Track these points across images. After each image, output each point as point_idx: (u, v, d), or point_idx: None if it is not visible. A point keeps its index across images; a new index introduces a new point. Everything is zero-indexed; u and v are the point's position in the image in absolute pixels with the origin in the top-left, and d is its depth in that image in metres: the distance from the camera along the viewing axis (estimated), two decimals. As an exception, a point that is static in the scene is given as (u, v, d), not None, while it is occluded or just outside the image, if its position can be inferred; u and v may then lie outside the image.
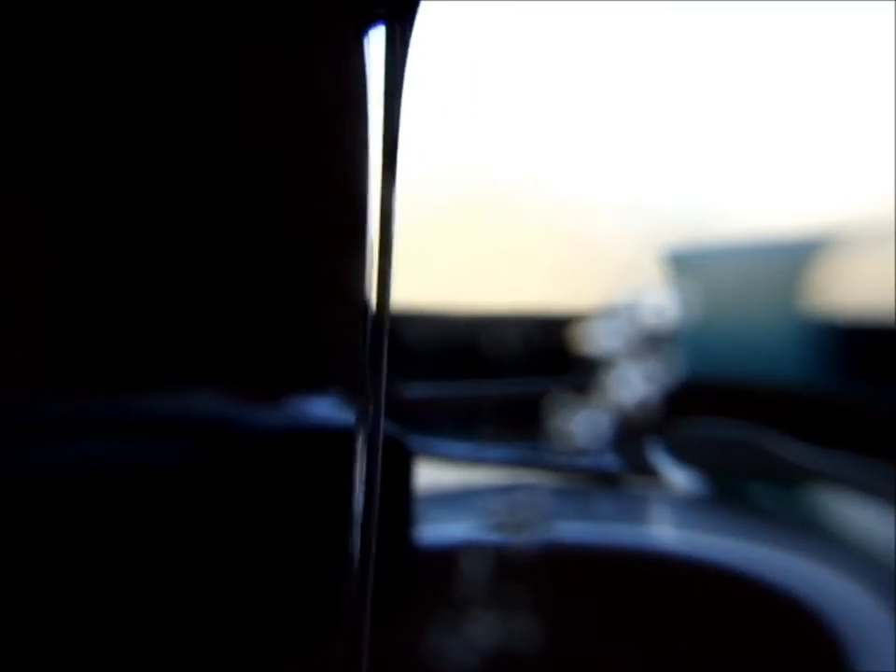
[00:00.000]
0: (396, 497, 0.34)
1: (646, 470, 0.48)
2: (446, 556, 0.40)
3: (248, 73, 0.35)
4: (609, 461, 0.48)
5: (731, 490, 0.49)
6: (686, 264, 0.52)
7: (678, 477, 0.48)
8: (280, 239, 0.36)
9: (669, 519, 0.48)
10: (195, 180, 0.34)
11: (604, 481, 0.48)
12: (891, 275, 0.48)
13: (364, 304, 0.22)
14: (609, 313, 0.49)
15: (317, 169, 0.37)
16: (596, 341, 0.49)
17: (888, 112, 0.47)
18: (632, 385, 0.48)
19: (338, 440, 0.35)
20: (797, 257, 0.52)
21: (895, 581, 0.40)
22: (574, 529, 0.44)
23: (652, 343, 0.49)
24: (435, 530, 0.41)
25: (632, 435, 0.48)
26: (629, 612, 0.41)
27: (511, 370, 0.49)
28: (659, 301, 0.49)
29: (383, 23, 0.21)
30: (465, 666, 0.40)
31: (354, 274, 0.35)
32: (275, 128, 0.36)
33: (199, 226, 0.34)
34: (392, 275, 0.22)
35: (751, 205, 0.53)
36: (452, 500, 0.45)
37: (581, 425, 0.48)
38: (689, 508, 0.47)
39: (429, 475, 0.42)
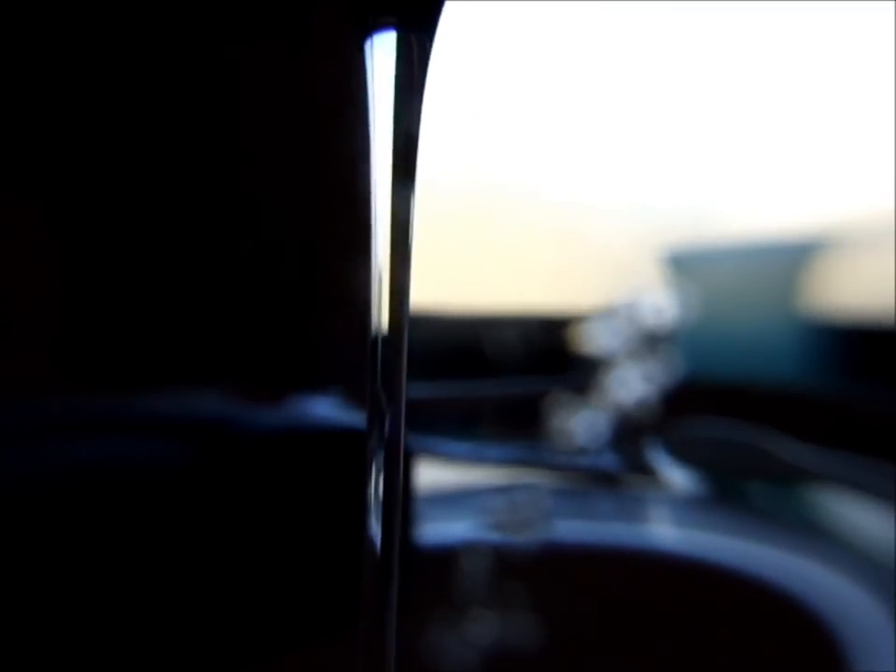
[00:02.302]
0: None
1: (645, 470, 0.48)
2: (446, 556, 0.40)
3: (250, 75, 0.35)
4: (609, 461, 0.48)
5: (730, 490, 0.49)
6: (685, 265, 0.52)
7: (677, 477, 0.48)
8: (281, 240, 0.36)
9: (668, 519, 0.48)
10: (197, 182, 0.34)
11: (603, 480, 0.48)
12: (890, 275, 0.48)
13: (376, 310, 0.21)
14: (608, 313, 0.49)
15: (319, 171, 0.37)
16: (596, 341, 0.49)
17: (886, 112, 0.47)
18: (631, 384, 0.48)
19: (338, 440, 0.35)
20: (796, 257, 0.52)
21: (895, 581, 0.40)
22: (574, 529, 0.44)
23: (652, 343, 0.49)
24: (435, 530, 0.41)
25: (631, 435, 0.48)
26: (629, 612, 0.41)
27: (511, 370, 0.49)
28: (658, 302, 0.49)
29: (395, 30, 0.21)
30: (465, 665, 0.40)
31: (355, 275, 0.35)
32: (277, 130, 0.36)
33: (200, 227, 0.34)
34: (409, 281, 0.21)
35: (750, 206, 0.53)
36: (452, 500, 0.45)
37: (581, 424, 0.48)
38: (688, 508, 0.47)
39: (429, 475, 0.42)
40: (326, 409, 0.36)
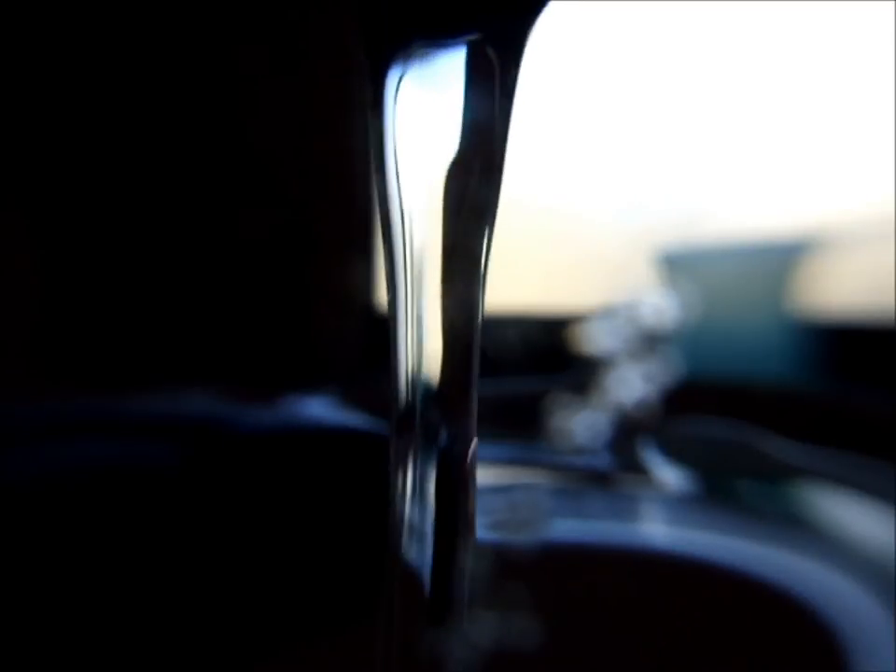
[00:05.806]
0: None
1: (642, 470, 0.48)
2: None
3: (250, 75, 0.36)
4: (607, 460, 0.48)
5: (724, 489, 0.49)
6: (682, 264, 0.52)
7: (672, 476, 0.48)
8: (276, 239, 0.37)
9: (666, 518, 0.48)
10: (192, 181, 0.34)
11: (602, 480, 0.48)
12: (886, 274, 0.48)
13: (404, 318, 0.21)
14: (608, 313, 0.49)
15: (318, 171, 0.37)
16: (596, 341, 0.49)
17: (881, 112, 0.47)
18: (631, 384, 0.48)
19: (332, 440, 0.35)
20: (792, 256, 0.52)
21: (895, 581, 0.40)
22: (573, 529, 0.44)
23: (652, 342, 0.49)
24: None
25: (630, 434, 0.48)
26: (628, 612, 0.41)
27: (510, 369, 0.49)
28: (658, 301, 0.49)
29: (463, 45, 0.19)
30: (464, 666, 0.40)
31: (350, 276, 0.36)
32: (274, 130, 0.36)
33: (196, 227, 0.35)
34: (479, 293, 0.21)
35: (746, 205, 0.53)
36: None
37: (581, 424, 0.48)
38: (684, 507, 0.47)
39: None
40: (320, 409, 0.36)
